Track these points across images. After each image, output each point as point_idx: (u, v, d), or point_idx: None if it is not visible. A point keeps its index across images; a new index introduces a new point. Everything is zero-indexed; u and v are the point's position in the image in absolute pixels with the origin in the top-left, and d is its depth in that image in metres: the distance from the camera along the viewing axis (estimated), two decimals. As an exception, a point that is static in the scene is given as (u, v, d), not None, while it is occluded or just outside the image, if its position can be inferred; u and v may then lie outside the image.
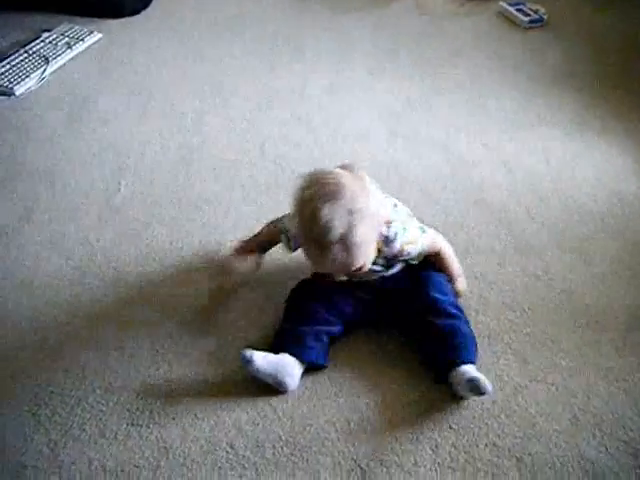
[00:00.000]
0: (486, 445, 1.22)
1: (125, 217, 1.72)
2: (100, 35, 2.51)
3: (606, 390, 1.31)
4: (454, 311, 1.35)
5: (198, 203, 1.76)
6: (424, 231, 1.37)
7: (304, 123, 2.10)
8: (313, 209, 1.15)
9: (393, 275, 1.40)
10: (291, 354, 1.29)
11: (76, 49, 2.41)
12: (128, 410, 1.27)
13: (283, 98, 2.22)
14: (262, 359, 1.25)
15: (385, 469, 1.18)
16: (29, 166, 1.88)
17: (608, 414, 1.27)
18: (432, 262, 1.42)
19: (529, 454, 1.21)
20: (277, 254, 1.52)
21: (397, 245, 1.30)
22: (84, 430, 1.23)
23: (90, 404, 1.27)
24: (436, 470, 1.19)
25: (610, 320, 1.46)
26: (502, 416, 1.26)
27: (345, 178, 1.20)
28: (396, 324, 1.40)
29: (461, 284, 1.45)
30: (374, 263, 1.30)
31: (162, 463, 1.18)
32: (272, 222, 1.46)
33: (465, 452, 1.21)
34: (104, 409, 1.27)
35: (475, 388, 1.22)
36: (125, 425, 1.24)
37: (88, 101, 2.17)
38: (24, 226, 1.68)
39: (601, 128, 2.09)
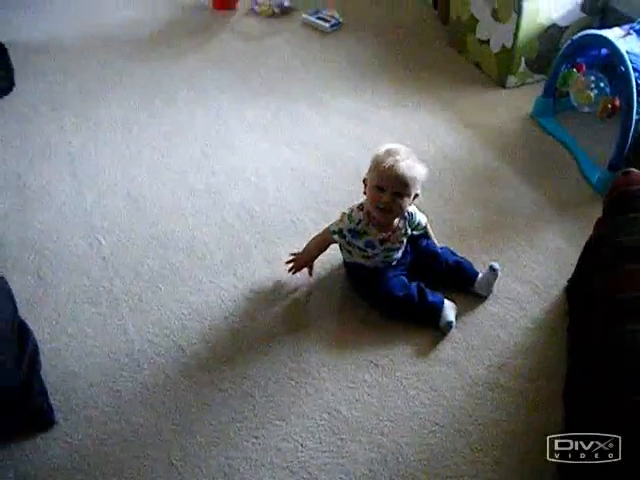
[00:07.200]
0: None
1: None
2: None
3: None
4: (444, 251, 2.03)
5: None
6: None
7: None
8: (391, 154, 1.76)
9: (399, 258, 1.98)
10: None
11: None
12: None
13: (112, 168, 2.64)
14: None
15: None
16: None
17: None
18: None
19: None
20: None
21: (417, 217, 1.93)
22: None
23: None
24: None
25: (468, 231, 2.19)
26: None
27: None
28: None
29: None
30: (399, 241, 1.91)
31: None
32: (317, 235, 1.93)
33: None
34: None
35: (493, 272, 1.93)
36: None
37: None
38: None
39: (417, 103, 2.84)
